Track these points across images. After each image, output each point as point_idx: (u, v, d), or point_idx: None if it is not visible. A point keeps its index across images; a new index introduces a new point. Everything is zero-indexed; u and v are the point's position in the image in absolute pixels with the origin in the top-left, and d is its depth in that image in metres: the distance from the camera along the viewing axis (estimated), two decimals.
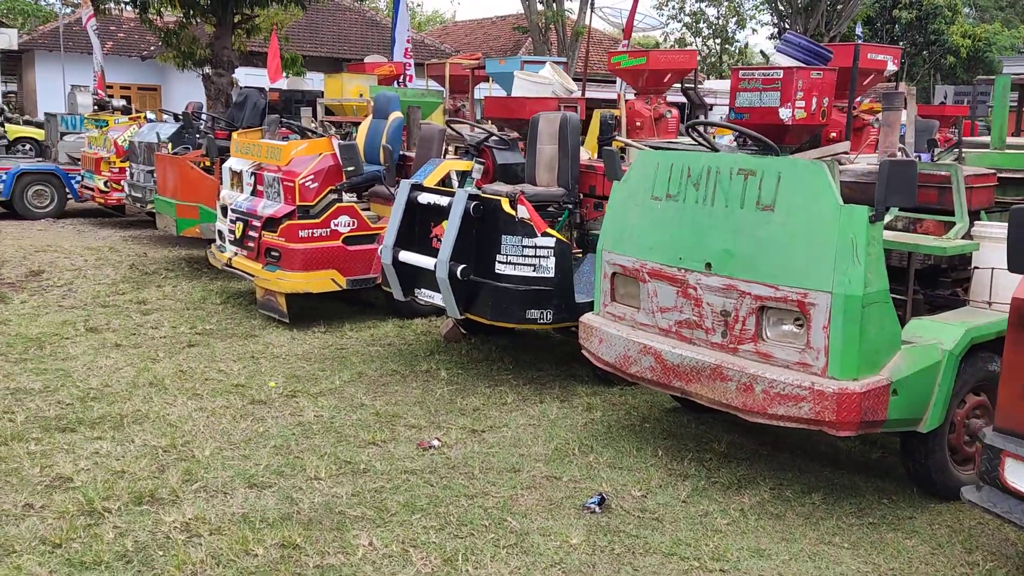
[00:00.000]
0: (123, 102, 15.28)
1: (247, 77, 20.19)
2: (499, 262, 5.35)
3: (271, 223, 7.03)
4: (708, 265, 4.11)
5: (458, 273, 5.34)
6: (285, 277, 6.86)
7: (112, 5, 17.85)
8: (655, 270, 4.36)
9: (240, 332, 6.84)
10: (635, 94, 9.71)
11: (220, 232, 7.94)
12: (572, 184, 6.50)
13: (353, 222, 7.08)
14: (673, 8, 39.00)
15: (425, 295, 5.81)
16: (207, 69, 17.11)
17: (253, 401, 5.26)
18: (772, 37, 33.14)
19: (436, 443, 4.68)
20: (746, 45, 41.96)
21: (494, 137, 6.69)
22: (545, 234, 5.30)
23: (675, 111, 9.46)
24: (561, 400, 5.47)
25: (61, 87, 24.73)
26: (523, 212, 5.26)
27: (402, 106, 8.31)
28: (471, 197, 5.38)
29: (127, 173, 12.01)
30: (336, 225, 7.01)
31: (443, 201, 5.55)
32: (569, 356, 6.34)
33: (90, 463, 4.30)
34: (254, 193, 7.41)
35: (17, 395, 5.24)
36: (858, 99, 8.80)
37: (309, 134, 7.86)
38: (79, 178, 13.46)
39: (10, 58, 29.67)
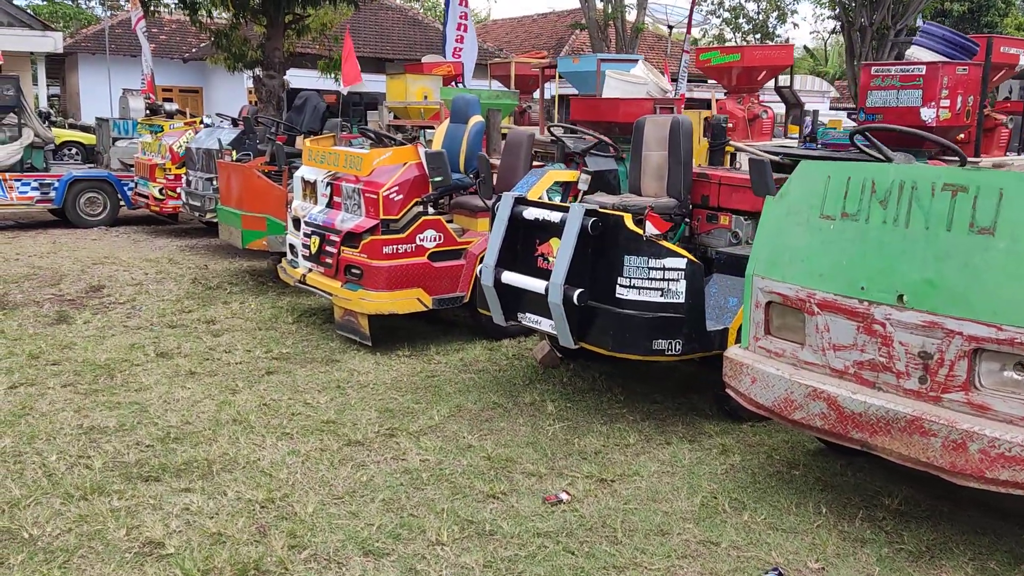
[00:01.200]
0: (175, 106, 14.91)
1: (295, 79, 19.81)
2: (621, 285, 4.76)
3: (351, 238, 6.50)
4: (901, 297, 3.48)
5: (575, 298, 4.76)
6: (368, 297, 6.33)
7: (162, 7, 17.44)
8: (827, 301, 3.74)
9: (320, 356, 6.33)
10: (725, 93, 9.06)
11: (292, 246, 7.44)
12: (684, 194, 5.90)
13: (439, 237, 6.54)
14: (711, 3, 38.08)
15: (531, 320, 5.23)
16: (258, 71, 16.73)
17: (349, 442, 4.73)
18: (834, 31, 32.06)
19: (564, 497, 4.11)
20: (786, 40, 40.94)
21: (599, 145, 6.10)
22: (675, 254, 4.70)
23: (771, 111, 8.80)
24: (690, 440, 4.87)
25: (107, 90, 24.59)
26: (651, 229, 4.66)
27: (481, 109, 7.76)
28: (589, 213, 4.79)
29: (183, 180, 11.62)
30: (422, 240, 6.47)
31: (554, 217, 4.98)
32: (685, 385, 5.74)
33: (181, 522, 3.78)
34: (330, 205, 6.90)
35: (92, 435, 4.76)
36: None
37: (386, 140, 7.33)
38: (132, 185, 13.11)
39: (54, 61, 29.66)
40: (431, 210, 6.60)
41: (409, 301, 6.41)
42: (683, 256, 4.72)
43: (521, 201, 5.30)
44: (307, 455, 4.54)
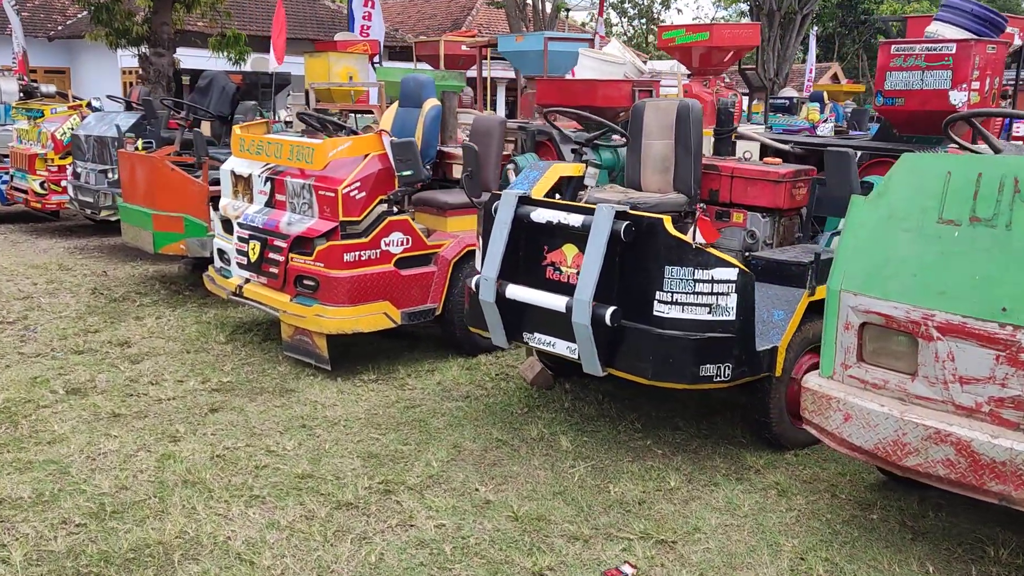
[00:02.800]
0: (52, 88, 13.24)
1: (184, 58, 18.17)
2: (660, 301, 4.01)
3: (302, 243, 5.52)
4: None
5: (606, 318, 3.99)
6: (327, 313, 5.37)
7: None
8: (952, 324, 3.10)
9: (270, 386, 5.34)
10: (688, 76, 8.44)
11: (221, 252, 6.37)
12: (695, 189, 5.20)
13: (407, 240, 5.63)
14: None
15: (541, 342, 4.43)
16: (144, 48, 15.12)
17: (339, 504, 3.82)
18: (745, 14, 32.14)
19: (629, 571, 3.35)
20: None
21: (607, 133, 5.32)
22: (724, 263, 3.98)
23: (739, 95, 8.23)
24: (737, 478, 4.19)
25: None
26: (699, 238, 3.93)
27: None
28: (620, 215, 4.02)
29: (69, 172, 10.20)
30: (387, 245, 5.55)
31: (572, 220, 4.18)
32: (704, 406, 5.08)
33: None
34: (271, 204, 5.88)
35: (2, 511, 3.68)
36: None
37: (331, 127, 6.33)
38: (6, 178, 11.49)
39: None
40: (395, 209, 5.68)
41: (375, 317, 5.49)
42: (734, 266, 4.01)
43: (526, 201, 4.47)
44: (290, 527, 3.61)
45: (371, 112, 8.41)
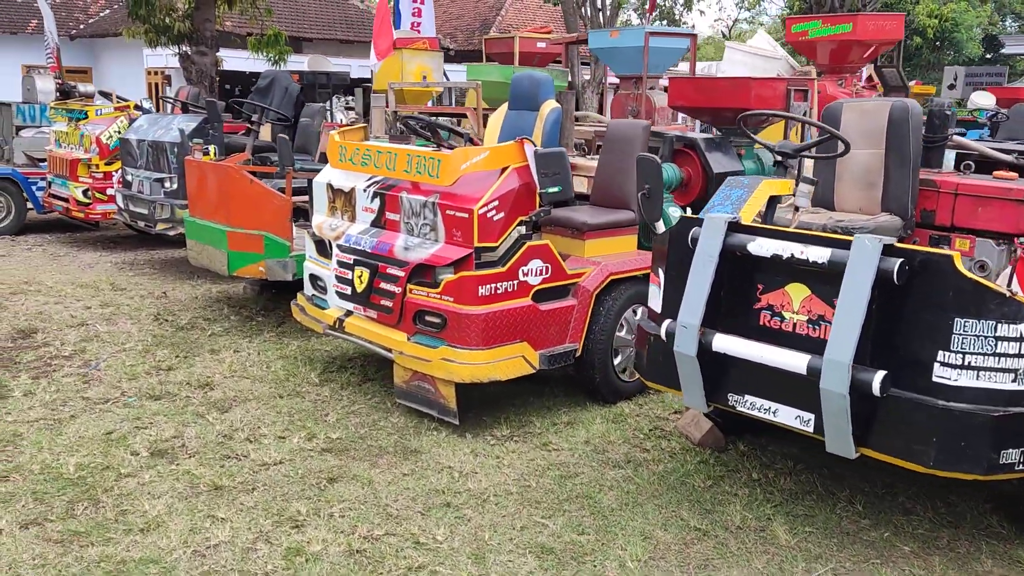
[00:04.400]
0: (91, 87, 12.41)
1: (224, 59, 17.39)
2: (944, 364, 3.08)
3: (423, 272, 4.63)
4: None
5: (874, 386, 3.07)
6: (457, 357, 4.46)
7: None
8: None
9: (389, 444, 4.44)
10: (819, 74, 7.49)
11: (314, 278, 5.48)
12: (911, 209, 4.27)
13: (546, 269, 4.72)
14: None
15: (761, 409, 3.51)
16: (185, 47, 14.30)
17: None
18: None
19: None
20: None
21: (828, 142, 4.39)
22: None
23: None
24: None
25: None
26: (1015, 287, 3.01)
27: None
28: (890, 250, 3.10)
29: (117, 180, 9.36)
30: (525, 274, 4.64)
31: (815, 254, 3.25)
32: (923, 480, 4.13)
33: None
34: (380, 223, 4.98)
35: None
36: None
37: (443, 133, 5.41)
38: (43, 184, 10.65)
39: None
40: (531, 232, 4.77)
41: (513, 362, 4.58)
42: None
43: (737, 228, 3.55)
44: None
45: (463, 115, 7.49)
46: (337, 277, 5.18)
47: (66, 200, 9.91)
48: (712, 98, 5.64)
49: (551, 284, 4.78)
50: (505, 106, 5.95)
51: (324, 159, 8.10)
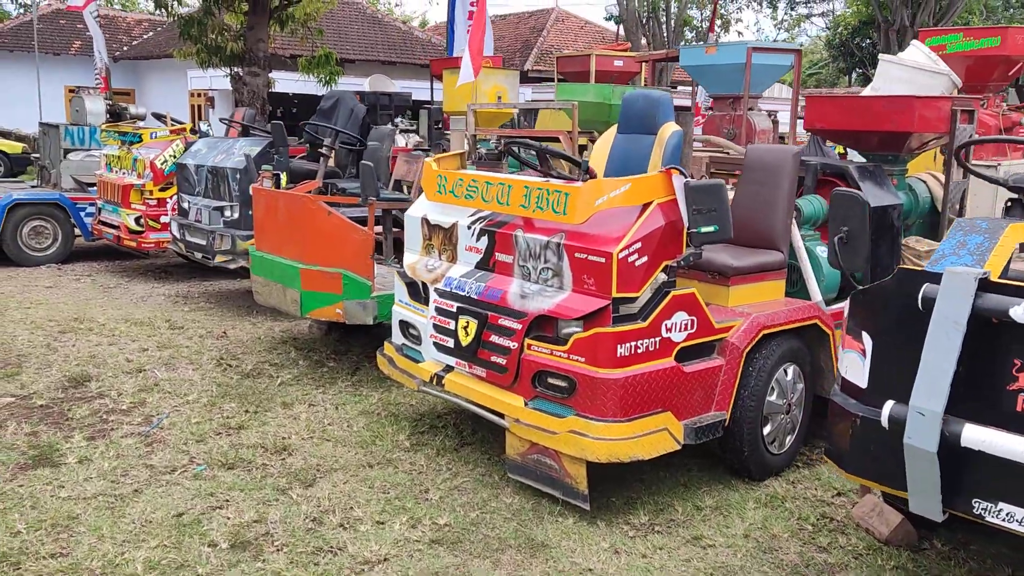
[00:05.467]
0: (142, 108, 11.94)
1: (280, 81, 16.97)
2: None
3: (542, 325, 3.91)
4: None
5: None
6: (591, 431, 3.72)
7: None
8: None
9: (508, 534, 3.70)
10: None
11: (406, 325, 4.79)
12: None
13: (691, 322, 3.98)
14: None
15: (1019, 521, 2.73)
16: (236, 68, 13.81)
17: None
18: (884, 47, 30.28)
19: None
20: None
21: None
22: None
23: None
24: None
25: (23, 92, 21.36)
26: None
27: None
28: None
29: (172, 207, 8.80)
30: (668, 330, 3.90)
31: None
32: None
33: None
34: (486, 265, 4.28)
35: None
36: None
37: (556, 159, 4.71)
38: (92, 210, 10.14)
39: None
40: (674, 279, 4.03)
41: (657, 437, 3.83)
42: None
43: (988, 286, 2.79)
44: None
45: (554, 139, 6.78)
46: (436, 326, 4.48)
47: (117, 227, 9.37)
48: (863, 119, 4.89)
49: (695, 340, 4.03)
50: (613, 130, 5.25)
51: (397, 187, 7.48)
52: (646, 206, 3.85)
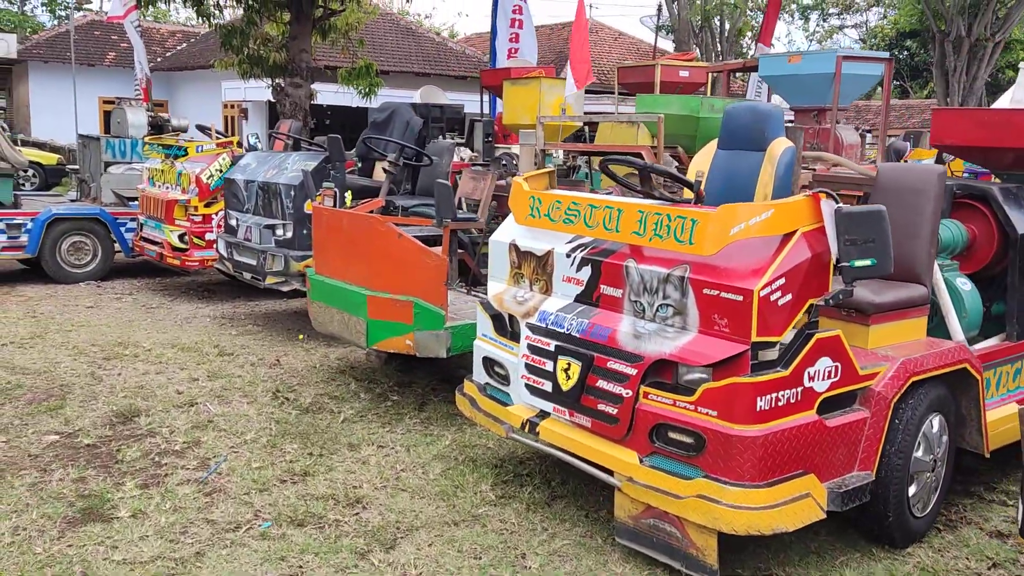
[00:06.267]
0: (184, 121, 11.60)
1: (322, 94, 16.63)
2: None
3: (659, 370, 3.41)
4: None
5: None
6: (725, 497, 3.20)
7: None
8: None
9: None
10: None
11: (490, 363, 4.30)
12: None
13: (835, 370, 3.45)
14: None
15: None
16: (278, 79, 13.46)
17: None
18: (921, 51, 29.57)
19: None
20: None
21: None
22: None
23: None
24: None
25: (60, 103, 21.25)
26: None
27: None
28: None
29: (218, 224, 8.40)
30: (812, 378, 3.38)
31: None
32: None
33: None
34: (588, 299, 3.78)
35: None
36: None
37: (655, 184, 4.21)
38: (133, 225, 9.78)
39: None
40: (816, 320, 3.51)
41: (801, 504, 3.29)
42: None
43: None
44: None
45: (636, 154, 6.27)
46: (528, 366, 3.98)
47: (159, 244, 8.99)
48: (1005, 136, 4.36)
49: (839, 390, 3.50)
50: (712, 145, 4.74)
51: (459, 205, 7.01)
52: (789, 235, 3.33)
